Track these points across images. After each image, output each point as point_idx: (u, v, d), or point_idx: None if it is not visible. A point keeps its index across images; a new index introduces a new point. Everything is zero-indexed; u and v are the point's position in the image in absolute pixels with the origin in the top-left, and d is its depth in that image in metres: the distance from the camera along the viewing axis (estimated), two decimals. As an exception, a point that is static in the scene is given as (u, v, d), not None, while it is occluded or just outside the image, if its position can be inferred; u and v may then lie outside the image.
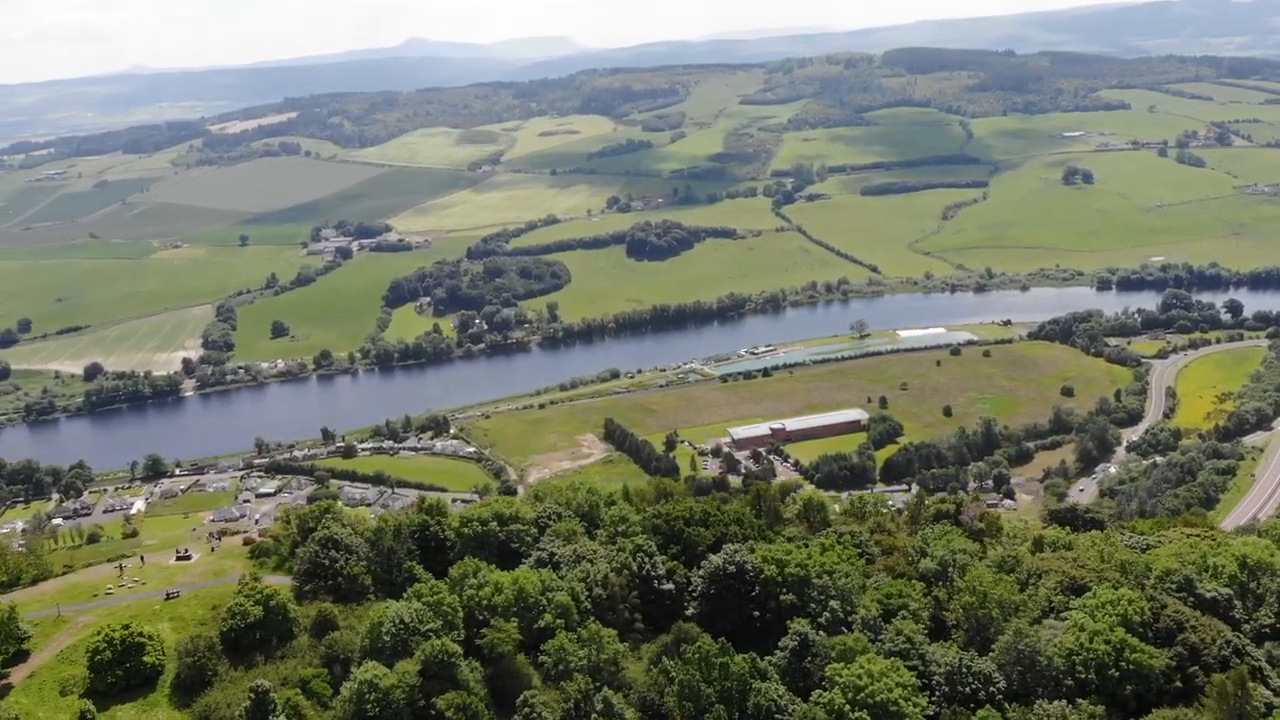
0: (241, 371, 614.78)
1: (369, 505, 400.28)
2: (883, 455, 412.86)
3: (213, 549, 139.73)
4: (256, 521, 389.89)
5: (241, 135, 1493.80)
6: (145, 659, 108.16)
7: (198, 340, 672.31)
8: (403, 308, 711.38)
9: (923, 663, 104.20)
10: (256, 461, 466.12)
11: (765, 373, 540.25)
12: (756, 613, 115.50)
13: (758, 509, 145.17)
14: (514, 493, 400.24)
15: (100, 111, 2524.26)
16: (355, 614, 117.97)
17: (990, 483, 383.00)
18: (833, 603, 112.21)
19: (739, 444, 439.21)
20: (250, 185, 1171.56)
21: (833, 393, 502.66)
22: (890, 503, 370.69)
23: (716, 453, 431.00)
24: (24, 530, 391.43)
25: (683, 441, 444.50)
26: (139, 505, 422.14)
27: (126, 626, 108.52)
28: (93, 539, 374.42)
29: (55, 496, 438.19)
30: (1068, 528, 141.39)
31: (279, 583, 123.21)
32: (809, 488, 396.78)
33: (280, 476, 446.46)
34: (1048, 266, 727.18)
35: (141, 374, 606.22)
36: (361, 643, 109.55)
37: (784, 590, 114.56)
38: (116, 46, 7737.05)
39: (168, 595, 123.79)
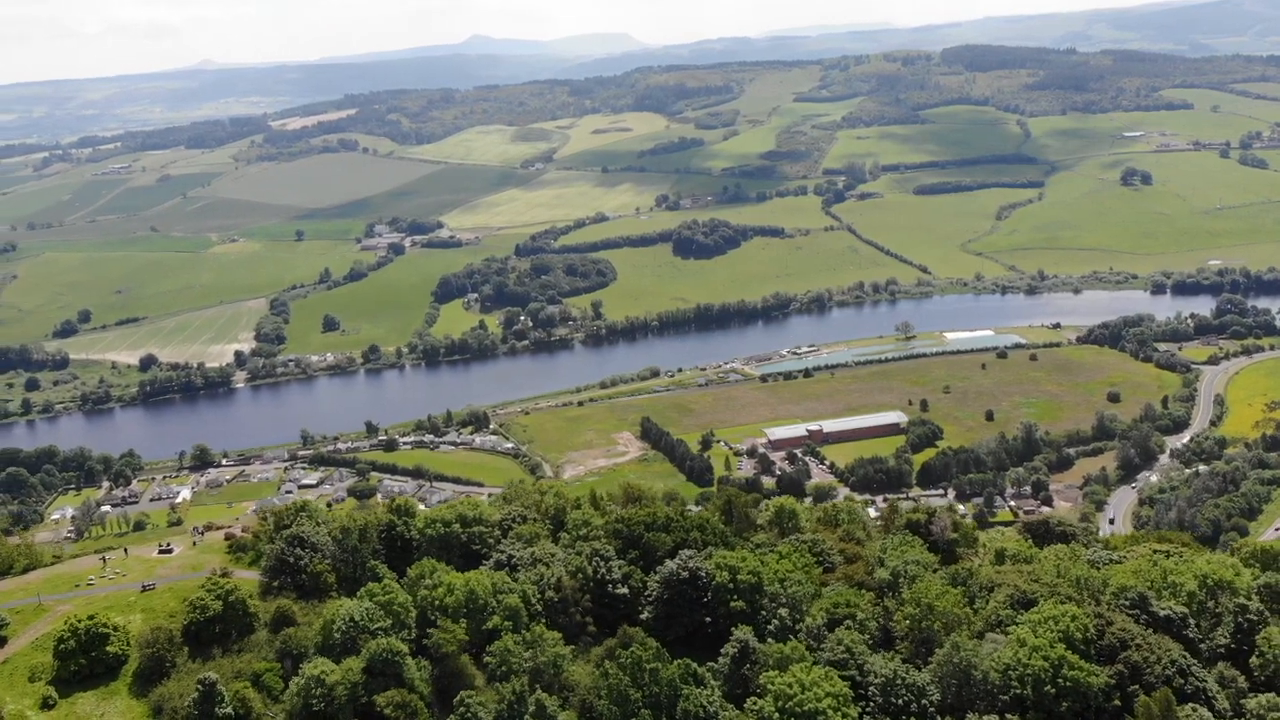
0: (291, 364, 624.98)
1: (407, 498, 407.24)
2: (920, 459, 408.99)
3: (194, 543, 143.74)
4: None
5: (302, 131, 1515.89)
6: (109, 649, 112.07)
7: (251, 333, 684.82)
8: (451, 303, 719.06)
9: (860, 673, 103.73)
10: (301, 453, 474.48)
11: (806, 373, 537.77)
12: (708, 619, 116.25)
13: (728, 515, 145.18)
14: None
15: (167, 107, 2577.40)
16: (316, 611, 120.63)
17: (1028, 489, 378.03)
18: (781, 610, 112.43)
19: (775, 445, 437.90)
20: (308, 181, 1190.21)
21: (874, 394, 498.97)
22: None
23: (751, 453, 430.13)
24: (73, 516, 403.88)
25: (719, 441, 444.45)
26: (185, 494, 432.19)
27: (92, 617, 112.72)
28: (139, 526, 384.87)
29: (105, 484, 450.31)
30: (1029, 540, 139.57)
31: (250, 578, 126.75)
32: (844, 490, 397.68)
33: (323, 468, 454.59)
34: (1101, 269, 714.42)
35: (195, 365, 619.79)
36: (315, 639, 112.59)
37: (734, 597, 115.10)
38: (186, 42, 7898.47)
39: (144, 587, 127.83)
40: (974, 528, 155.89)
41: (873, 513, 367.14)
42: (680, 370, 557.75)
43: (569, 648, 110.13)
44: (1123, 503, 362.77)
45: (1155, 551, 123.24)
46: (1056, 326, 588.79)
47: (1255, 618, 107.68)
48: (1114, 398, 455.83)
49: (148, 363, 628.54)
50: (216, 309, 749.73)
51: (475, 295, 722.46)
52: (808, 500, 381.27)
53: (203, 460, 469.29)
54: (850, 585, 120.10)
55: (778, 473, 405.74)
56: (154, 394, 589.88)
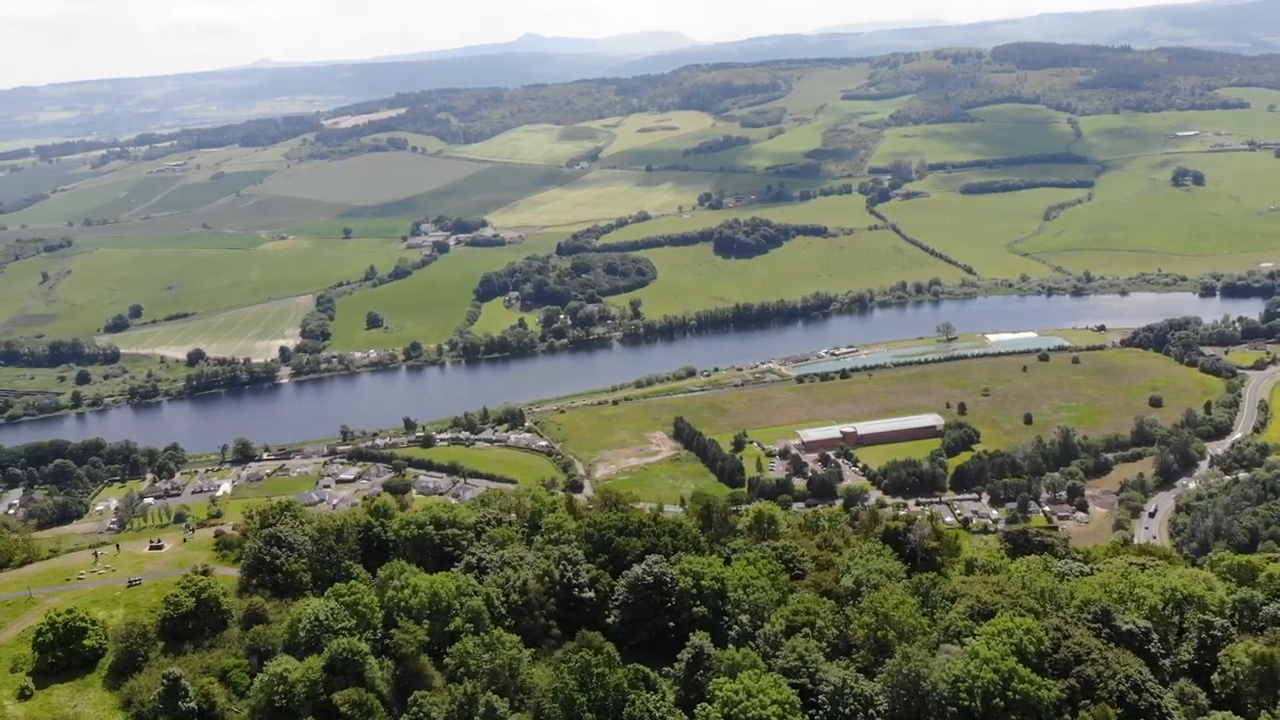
0: (335, 360, 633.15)
1: (441, 494, 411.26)
2: (956, 463, 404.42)
3: (184, 539, 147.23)
4: (334, 507, 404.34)
5: (353, 130, 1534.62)
6: (85, 642, 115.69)
7: (297, 329, 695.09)
8: (492, 302, 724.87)
9: (812, 681, 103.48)
10: (340, 448, 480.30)
11: (843, 374, 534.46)
12: (671, 623, 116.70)
13: (707, 520, 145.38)
14: (580, 488, 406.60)
15: (223, 105, 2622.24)
16: (289, 609, 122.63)
17: (1064, 494, 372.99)
18: (742, 617, 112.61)
19: (808, 446, 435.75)
20: (357, 179, 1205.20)
21: (911, 397, 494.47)
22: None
23: (784, 454, 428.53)
24: (117, 508, 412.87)
25: (751, 442, 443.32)
26: (225, 487, 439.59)
27: (70, 611, 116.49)
28: (179, 518, 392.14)
29: (149, 477, 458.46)
30: (1008, 549, 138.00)
31: (233, 575, 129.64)
32: (876, 493, 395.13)
33: (360, 463, 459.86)
34: (1149, 271, 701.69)
35: (241, 361, 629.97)
36: (283, 637, 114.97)
37: (697, 602, 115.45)
38: (243, 41, 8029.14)
39: (130, 582, 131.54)
40: (956, 536, 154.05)
41: (902, 516, 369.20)
42: (716, 370, 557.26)
43: (529, 650, 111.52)
44: (1160, 509, 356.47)
45: (1131, 564, 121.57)
46: (1101, 329, 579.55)
47: (1219, 634, 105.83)
48: (1156, 402, 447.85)
49: (195, 357, 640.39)
50: (264, 305, 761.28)
51: (516, 294, 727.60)
52: (838, 503, 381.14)
53: (244, 454, 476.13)
54: (818, 592, 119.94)
55: (809, 474, 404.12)
56: (200, 388, 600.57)
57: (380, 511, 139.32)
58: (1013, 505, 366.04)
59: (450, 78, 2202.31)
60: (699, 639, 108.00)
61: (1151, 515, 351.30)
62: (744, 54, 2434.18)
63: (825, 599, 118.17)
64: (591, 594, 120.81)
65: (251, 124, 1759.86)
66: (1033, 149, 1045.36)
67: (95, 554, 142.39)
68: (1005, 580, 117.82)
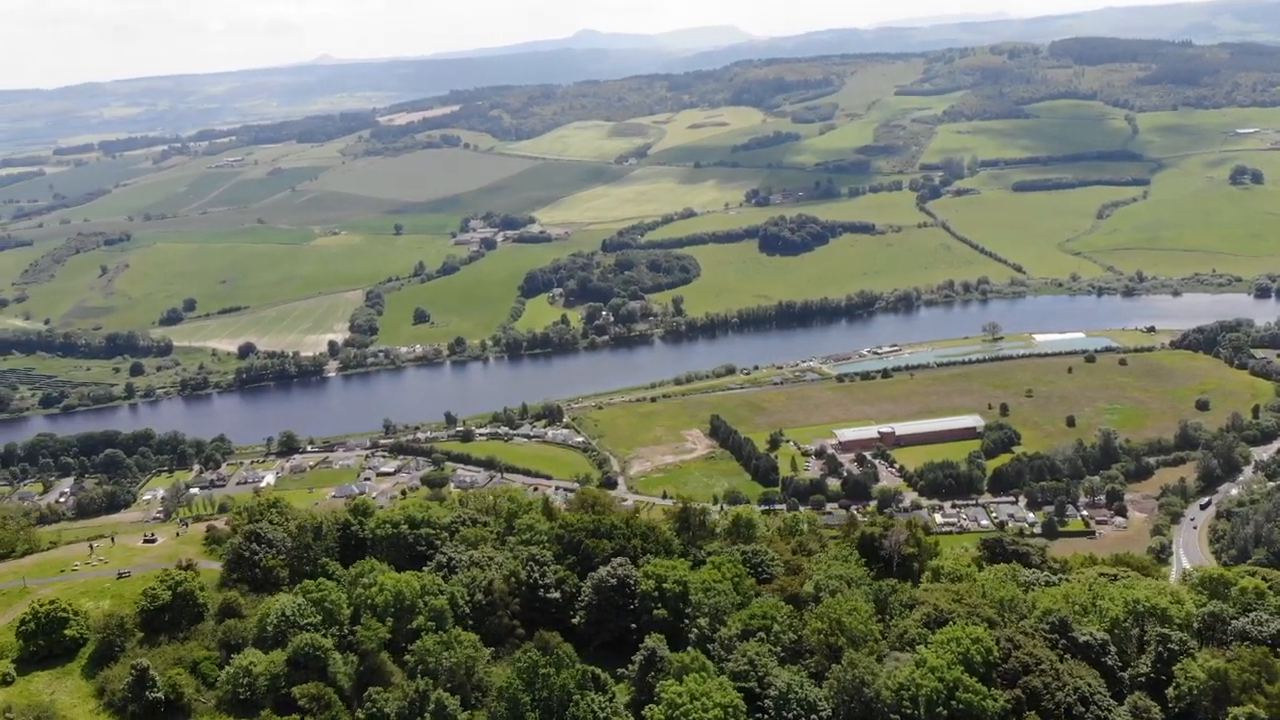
0: (381, 355, 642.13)
1: (478, 488, 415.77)
2: (994, 465, 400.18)
3: (177, 534, 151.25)
4: (374, 499, 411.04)
5: (407, 127, 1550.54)
6: (67, 632, 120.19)
7: (346, 324, 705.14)
8: (536, 298, 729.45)
9: (760, 685, 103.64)
10: (382, 441, 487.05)
11: (885, 374, 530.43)
12: (633, 625, 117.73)
13: (685, 524, 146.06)
14: (614, 484, 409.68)
15: (283, 101, 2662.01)
16: (263, 604, 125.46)
17: (1102, 498, 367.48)
18: (701, 620, 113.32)
19: (845, 446, 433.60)
20: (410, 176, 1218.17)
21: (952, 397, 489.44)
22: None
23: (820, 454, 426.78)
24: (163, 498, 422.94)
25: (788, 441, 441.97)
26: (269, 479, 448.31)
27: (53, 602, 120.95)
28: (223, 509, 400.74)
29: (196, 467, 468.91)
30: (972, 560, 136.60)
31: (216, 569, 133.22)
32: (912, 495, 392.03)
33: (401, 457, 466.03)
34: (1203, 271, 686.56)
35: (290, 354, 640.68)
36: (253, 631, 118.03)
37: (658, 605, 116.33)
38: (304, 38, 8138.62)
39: (119, 575, 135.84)
40: (936, 543, 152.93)
41: (939, 519, 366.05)
42: (756, 368, 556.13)
43: (489, 650, 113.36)
44: (1201, 515, 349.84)
45: (1101, 575, 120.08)
46: (1150, 330, 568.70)
47: (1177, 647, 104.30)
48: (1202, 405, 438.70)
49: (246, 350, 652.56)
50: (315, 299, 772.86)
51: (560, 290, 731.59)
52: (872, 504, 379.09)
53: (289, 446, 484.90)
54: (784, 597, 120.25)
55: (845, 475, 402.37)
56: (249, 381, 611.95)
57: (359, 510, 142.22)
58: (1050, 509, 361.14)
59: (505, 74, 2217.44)
60: (653, 641, 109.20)
61: (1204, 508, 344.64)
62: (800, 49, 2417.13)
63: (785, 604, 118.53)
64: (557, 595, 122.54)
65: (309, 120, 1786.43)
66: (1087, 146, 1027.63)
67: (91, 546, 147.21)
68: (967, 589, 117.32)
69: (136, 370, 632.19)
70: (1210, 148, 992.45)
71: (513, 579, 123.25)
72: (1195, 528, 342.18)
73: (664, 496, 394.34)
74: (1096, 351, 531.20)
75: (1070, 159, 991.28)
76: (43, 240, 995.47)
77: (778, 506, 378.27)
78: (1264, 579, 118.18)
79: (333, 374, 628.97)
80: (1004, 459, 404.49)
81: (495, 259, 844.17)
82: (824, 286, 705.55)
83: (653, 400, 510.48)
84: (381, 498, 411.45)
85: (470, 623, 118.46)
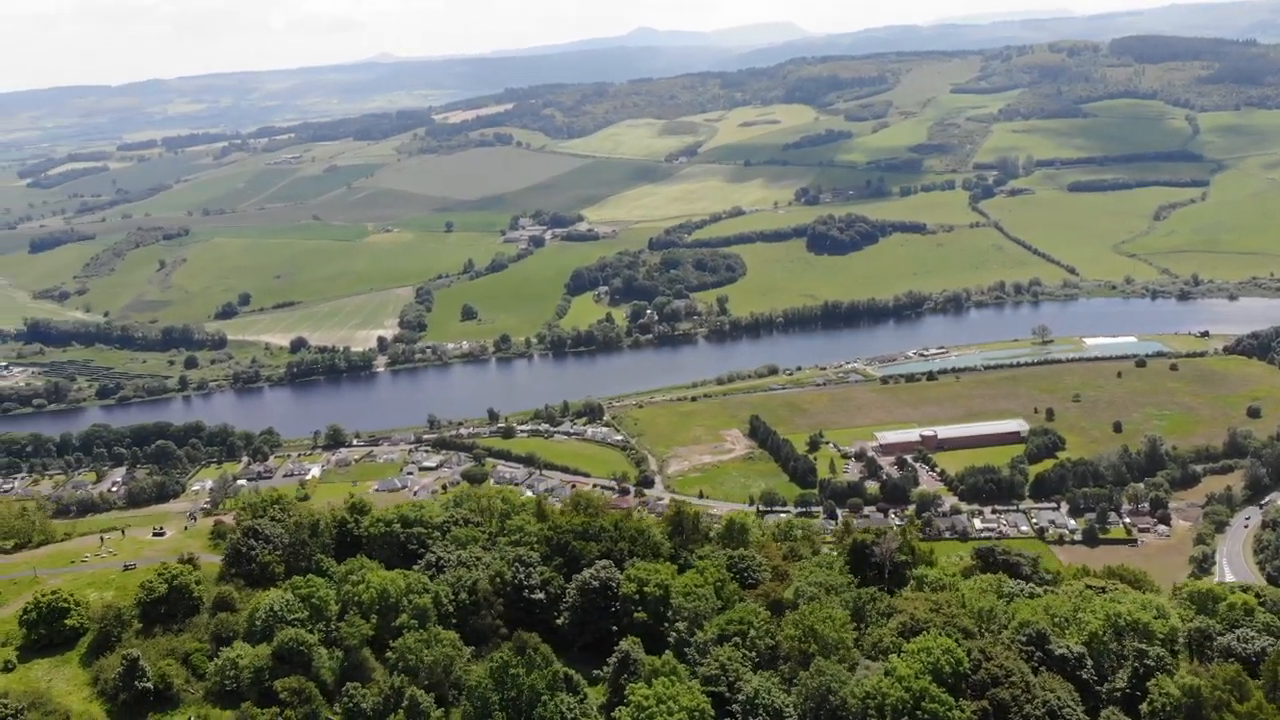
0: (429, 351, 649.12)
1: (516, 485, 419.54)
2: (1036, 470, 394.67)
3: (186, 528, 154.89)
4: (415, 494, 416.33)
5: (461, 125, 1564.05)
6: (67, 622, 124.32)
7: (395, 319, 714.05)
8: (582, 296, 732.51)
9: (730, 690, 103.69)
10: (425, 437, 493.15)
11: (930, 376, 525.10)
12: (614, 627, 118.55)
13: (678, 527, 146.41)
14: (651, 483, 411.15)
15: (342, 99, 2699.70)
16: (253, 599, 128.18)
17: (1146, 506, 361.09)
18: (679, 624, 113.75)
19: (885, 449, 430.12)
20: (462, 174, 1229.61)
21: (998, 401, 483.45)
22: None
23: (860, 456, 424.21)
24: (211, 489, 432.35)
25: (827, 443, 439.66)
26: (315, 471, 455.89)
27: (55, 592, 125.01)
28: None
29: (245, 459, 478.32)
30: (964, 569, 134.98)
31: (217, 563, 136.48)
32: (952, 499, 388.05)
33: (444, 452, 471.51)
34: (1261, 275, 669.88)
35: (340, 349, 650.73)
36: (243, 625, 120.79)
37: (638, 608, 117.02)
38: (364, 35, 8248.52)
39: (125, 567, 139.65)
40: (931, 550, 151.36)
41: (978, 524, 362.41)
42: (799, 369, 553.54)
43: (470, 649, 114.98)
44: (1247, 525, 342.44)
45: (1089, 587, 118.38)
46: (1204, 335, 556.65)
47: (1153, 663, 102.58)
48: (1254, 413, 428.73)
49: (298, 345, 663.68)
50: (367, 295, 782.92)
51: (605, 288, 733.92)
52: (910, 508, 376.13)
53: (335, 440, 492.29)
54: (767, 603, 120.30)
55: (884, 478, 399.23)
56: (300, 375, 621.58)
57: (356, 508, 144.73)
58: (1092, 516, 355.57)
59: (561, 73, 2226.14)
60: (627, 644, 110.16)
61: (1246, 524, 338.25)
62: (856, 45, 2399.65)
63: (766, 610, 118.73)
64: (542, 596, 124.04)
65: (366, 118, 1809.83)
66: (1145, 146, 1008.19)
67: (102, 538, 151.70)
68: (947, 598, 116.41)
69: (191, 363, 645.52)
70: (1272, 149, 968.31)
71: (498, 579, 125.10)
72: (1241, 537, 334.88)
73: (700, 496, 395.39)
74: (1147, 356, 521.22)
75: (1128, 159, 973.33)
76: (105, 234, 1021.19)
77: (814, 508, 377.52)
78: (1256, 595, 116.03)
79: (381, 369, 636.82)
80: (1047, 464, 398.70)
81: (543, 257, 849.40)
82: (872, 287, 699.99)
83: (693, 400, 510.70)
84: (423, 492, 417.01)
85: (454, 622, 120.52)
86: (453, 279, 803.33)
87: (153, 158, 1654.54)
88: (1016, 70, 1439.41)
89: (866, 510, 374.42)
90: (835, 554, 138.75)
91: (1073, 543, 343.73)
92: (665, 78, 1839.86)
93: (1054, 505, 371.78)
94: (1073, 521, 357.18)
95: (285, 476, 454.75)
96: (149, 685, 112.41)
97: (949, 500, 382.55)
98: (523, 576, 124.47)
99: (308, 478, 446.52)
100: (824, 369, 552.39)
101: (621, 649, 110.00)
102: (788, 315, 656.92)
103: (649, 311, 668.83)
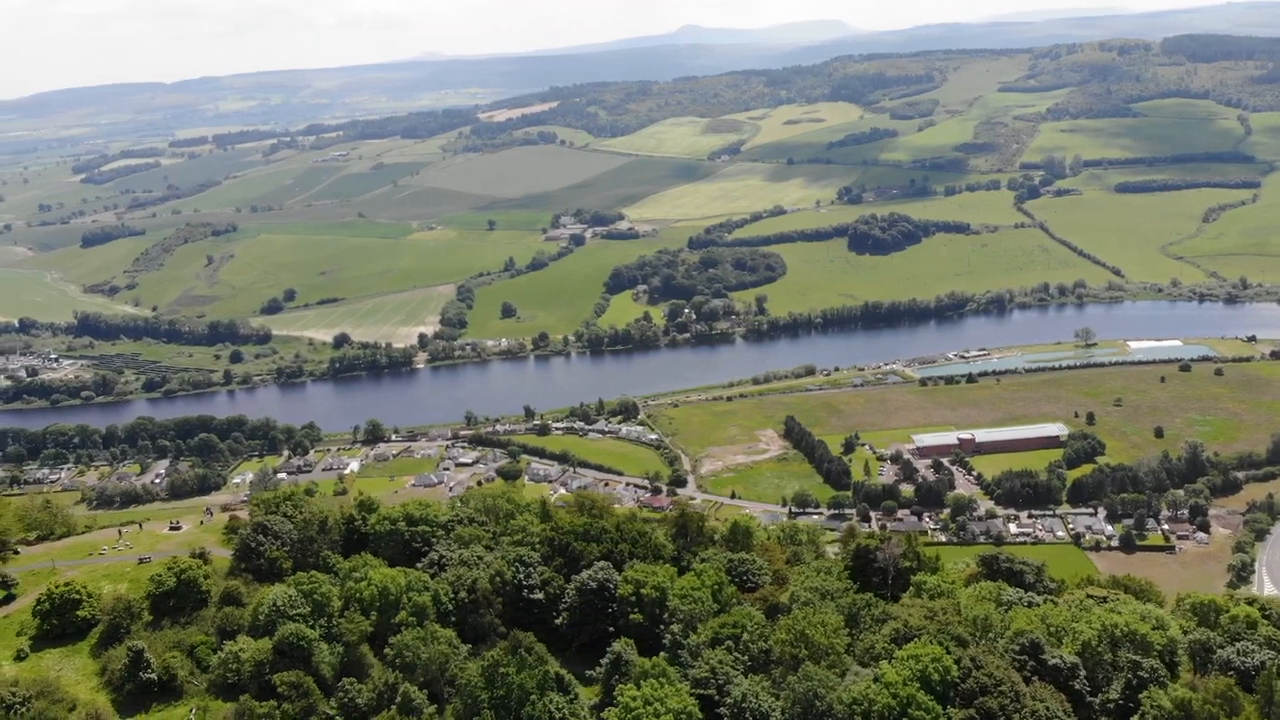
0: (468, 348, 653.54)
1: (550, 482, 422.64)
2: (1074, 475, 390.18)
3: (201, 522, 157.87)
4: (450, 489, 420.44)
5: (506, 123, 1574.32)
6: (79, 613, 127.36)
7: (437, 317, 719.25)
8: (621, 294, 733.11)
9: (719, 693, 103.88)
10: (462, 433, 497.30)
11: (969, 378, 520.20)
12: (611, 628, 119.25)
13: (682, 530, 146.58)
14: (684, 483, 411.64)
15: (390, 97, 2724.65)
16: (261, 593, 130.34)
17: (1185, 513, 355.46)
18: (674, 626, 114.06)
19: (922, 452, 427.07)
20: (505, 172, 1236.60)
21: (1038, 404, 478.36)
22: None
23: (895, 459, 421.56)
24: (251, 482, 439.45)
25: (863, 444, 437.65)
26: (353, 466, 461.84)
27: (68, 583, 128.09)
28: (308, 494, 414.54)
29: (285, 453, 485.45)
30: (968, 576, 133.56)
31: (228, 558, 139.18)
32: (988, 503, 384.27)
33: (480, 448, 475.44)
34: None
35: (382, 345, 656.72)
36: (248, 619, 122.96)
37: (634, 609, 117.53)
38: (413, 34, 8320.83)
39: (140, 560, 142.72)
40: (936, 556, 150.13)
41: (1014, 528, 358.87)
42: (837, 369, 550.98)
43: (467, 646, 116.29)
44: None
45: (1089, 596, 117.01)
46: (1251, 340, 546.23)
47: (1147, 674, 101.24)
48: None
49: (341, 341, 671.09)
50: (409, 293, 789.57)
51: (644, 287, 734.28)
52: (945, 511, 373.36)
53: (374, 435, 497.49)
54: (765, 607, 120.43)
55: (919, 481, 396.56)
56: (342, 370, 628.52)
57: (364, 506, 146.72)
58: (1129, 522, 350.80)
59: (607, 71, 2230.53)
60: (620, 645, 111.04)
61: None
62: (906, 43, 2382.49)
63: (762, 614, 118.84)
64: (541, 596, 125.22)
65: (413, 116, 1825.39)
66: (1196, 147, 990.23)
67: (120, 532, 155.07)
68: (943, 606, 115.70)
69: (236, 358, 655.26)
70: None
71: (498, 579, 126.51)
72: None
73: (732, 496, 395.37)
74: (1192, 360, 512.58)
75: (1177, 160, 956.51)
76: (155, 229, 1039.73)
77: (848, 511, 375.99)
78: (1261, 609, 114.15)
79: (421, 365, 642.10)
80: (1086, 469, 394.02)
81: (583, 255, 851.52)
82: (913, 287, 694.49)
83: (728, 399, 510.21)
84: (459, 488, 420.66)
85: (453, 620, 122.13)
86: (493, 277, 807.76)
87: (203, 154, 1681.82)
88: (1066, 69, 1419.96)
89: (900, 513, 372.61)
90: (839, 559, 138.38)
91: (1109, 549, 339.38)
92: (710, 76, 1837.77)
93: (1091, 511, 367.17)
94: (1110, 528, 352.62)
95: (324, 470, 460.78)
96: (153, 677, 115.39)
97: (984, 504, 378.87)
98: (522, 576, 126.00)
99: (346, 472, 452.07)
100: (862, 370, 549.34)
101: (614, 650, 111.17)
102: (827, 315, 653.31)
103: (687, 310, 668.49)
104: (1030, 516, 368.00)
